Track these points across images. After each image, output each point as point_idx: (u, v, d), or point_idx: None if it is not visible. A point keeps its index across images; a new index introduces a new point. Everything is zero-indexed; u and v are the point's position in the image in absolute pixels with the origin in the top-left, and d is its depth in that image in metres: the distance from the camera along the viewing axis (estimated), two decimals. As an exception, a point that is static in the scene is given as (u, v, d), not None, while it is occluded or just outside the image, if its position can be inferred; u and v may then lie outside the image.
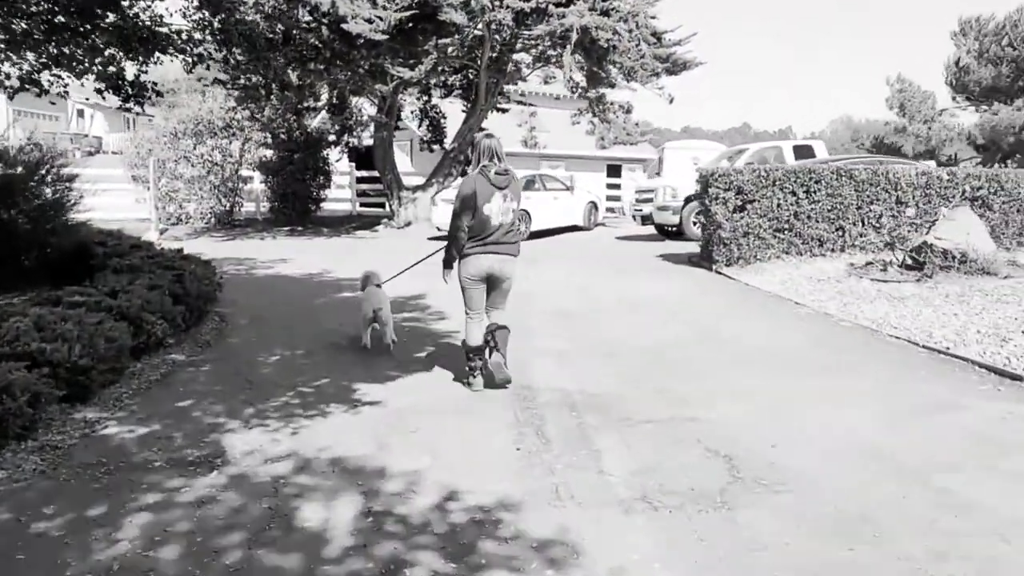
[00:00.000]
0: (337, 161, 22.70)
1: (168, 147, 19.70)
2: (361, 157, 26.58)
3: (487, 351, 5.57)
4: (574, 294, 10.01)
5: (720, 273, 11.25)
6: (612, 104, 18.78)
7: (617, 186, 29.07)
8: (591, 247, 16.20)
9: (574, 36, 15.90)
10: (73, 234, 10.29)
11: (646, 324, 8.11)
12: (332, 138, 22.04)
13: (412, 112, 23.28)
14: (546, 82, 20.69)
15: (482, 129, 21.22)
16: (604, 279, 11.27)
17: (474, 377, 5.60)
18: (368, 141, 24.52)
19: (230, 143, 20.35)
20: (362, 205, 24.10)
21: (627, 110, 18.43)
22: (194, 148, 19.80)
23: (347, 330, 7.69)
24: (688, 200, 15.15)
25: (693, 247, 13.78)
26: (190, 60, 10.50)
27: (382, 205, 25.84)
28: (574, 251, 15.33)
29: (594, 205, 19.68)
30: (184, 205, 20.43)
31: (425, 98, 22.62)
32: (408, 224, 19.98)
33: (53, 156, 10.61)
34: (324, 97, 22.52)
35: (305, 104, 21.14)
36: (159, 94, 10.44)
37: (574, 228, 19.15)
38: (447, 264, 5.60)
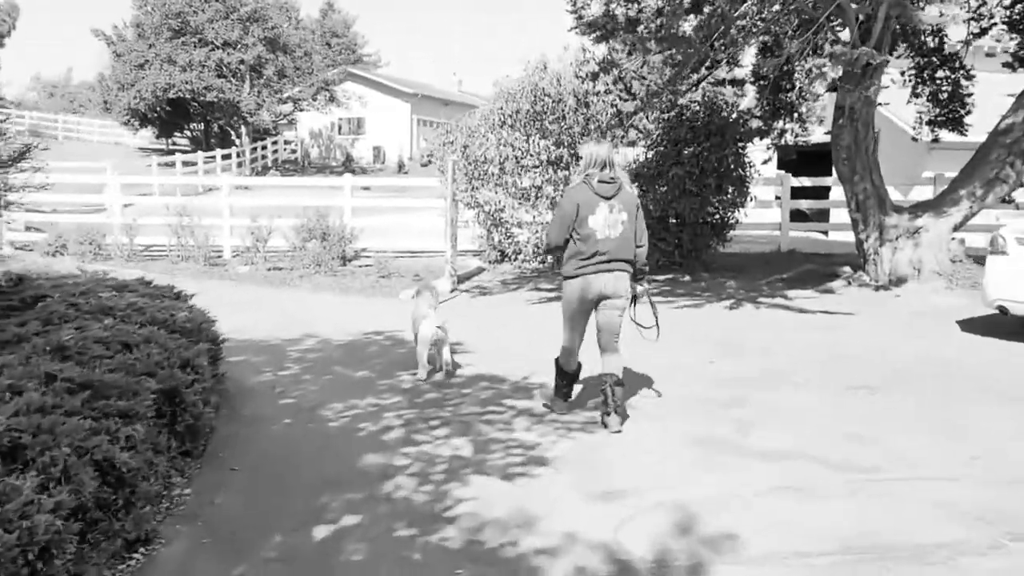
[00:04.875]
0: (763, 164, 13.34)
1: (492, 142, 12.46)
2: (791, 160, 16.91)
3: (602, 410, 4.87)
4: None
5: None
6: None
7: None
8: None
9: None
10: None
11: None
12: (756, 123, 12.88)
13: (905, 74, 13.03)
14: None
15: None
16: None
17: (561, 400, 5.19)
18: (817, 136, 14.84)
19: (582, 133, 12.41)
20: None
21: None
22: (527, 142, 12.27)
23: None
24: None
25: None
26: None
27: (825, 232, 15.91)
28: None
29: None
30: (514, 232, 13.04)
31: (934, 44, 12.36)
32: (899, 281, 9.90)
33: None
34: (748, 59, 13.62)
35: (710, 59, 12.37)
36: None
37: None
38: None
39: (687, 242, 11.67)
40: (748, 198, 11.88)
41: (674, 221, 11.59)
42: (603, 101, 12.38)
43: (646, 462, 4.29)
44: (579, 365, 5.16)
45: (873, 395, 5.52)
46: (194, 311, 5.46)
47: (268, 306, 9.82)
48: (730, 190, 11.73)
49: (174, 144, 39.22)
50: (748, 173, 11.98)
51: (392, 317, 9.08)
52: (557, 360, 5.20)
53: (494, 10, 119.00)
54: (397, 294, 10.79)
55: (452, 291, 11.10)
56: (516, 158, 12.37)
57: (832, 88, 14.13)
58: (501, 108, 12.34)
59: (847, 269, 10.79)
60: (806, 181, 14.50)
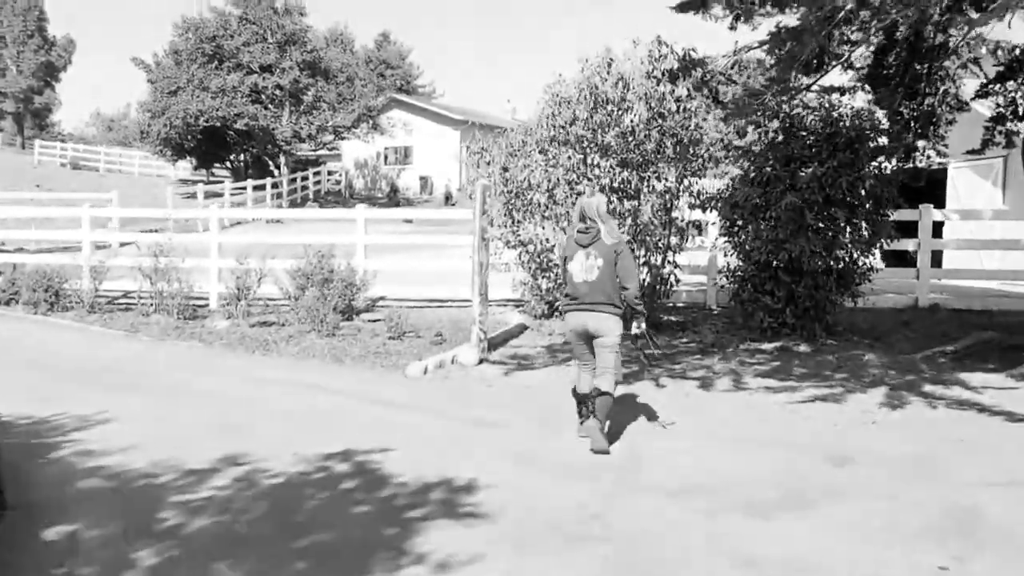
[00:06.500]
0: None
1: (538, 161, 9.54)
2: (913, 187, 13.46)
3: (586, 413, 5.44)
4: None
5: None
6: None
7: None
8: None
9: None
10: None
11: None
12: (880, 142, 9.69)
13: None
14: None
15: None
16: None
17: (581, 421, 5.48)
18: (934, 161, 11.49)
19: (658, 151, 9.41)
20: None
21: None
22: (584, 162, 9.33)
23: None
24: None
25: None
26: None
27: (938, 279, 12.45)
28: None
29: None
30: (566, 279, 10.01)
31: None
32: None
33: None
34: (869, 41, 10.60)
35: (827, 54, 9.40)
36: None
37: None
38: None
39: (804, 297, 8.47)
40: (888, 237, 8.65)
41: (788, 264, 8.41)
42: (684, 108, 9.36)
43: None
44: (591, 390, 5.41)
45: None
46: None
47: (212, 390, 7.00)
48: (864, 226, 8.53)
49: (213, 175, 37.55)
50: (883, 201, 8.75)
51: (385, 414, 6.15)
52: (574, 388, 5.68)
53: (549, 50, 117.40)
54: (405, 367, 7.87)
55: (479, 361, 8.14)
56: (569, 183, 9.42)
57: (982, 92, 10.97)
58: (551, 116, 9.43)
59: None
60: (952, 214, 11.18)
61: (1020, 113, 10.48)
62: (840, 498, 4.28)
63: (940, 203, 17.10)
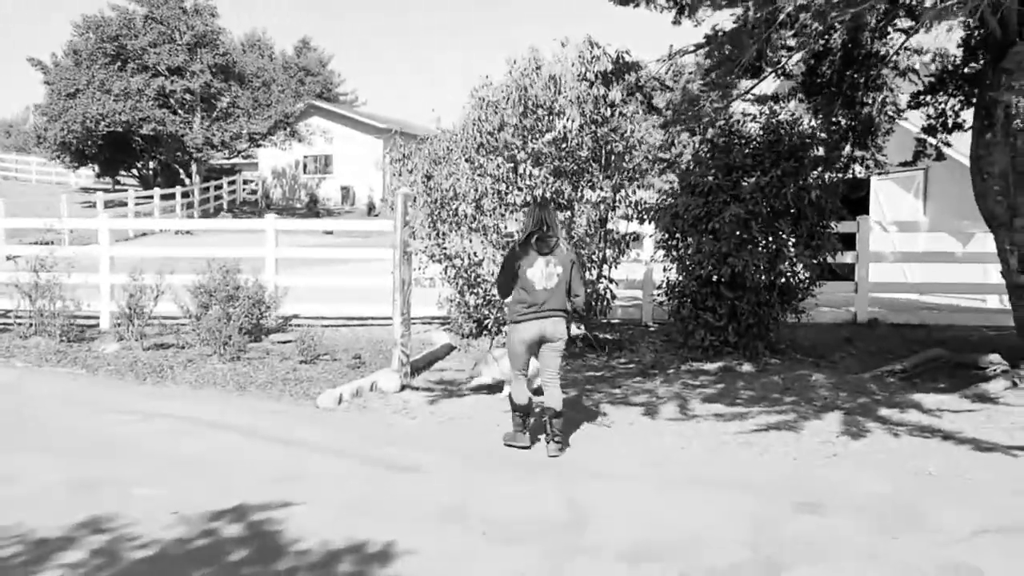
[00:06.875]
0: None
1: (464, 170, 8.83)
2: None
3: (545, 438, 5.50)
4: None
5: None
6: None
7: None
8: None
9: None
10: None
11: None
12: (819, 151, 9.37)
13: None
14: None
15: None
16: None
17: (522, 433, 5.61)
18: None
19: (593, 159, 8.85)
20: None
21: None
22: (515, 171, 8.67)
23: None
24: None
25: None
26: None
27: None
28: None
29: None
30: (495, 293, 9.34)
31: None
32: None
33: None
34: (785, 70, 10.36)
35: (763, 61, 9.04)
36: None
37: None
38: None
39: (748, 313, 8.02)
40: (833, 250, 8.28)
41: (731, 279, 7.93)
42: (620, 113, 8.84)
43: None
44: (529, 399, 5.66)
45: None
46: None
47: (86, 429, 6.01)
48: (810, 241, 8.13)
49: (118, 184, 35.44)
50: (827, 213, 8.38)
51: (291, 456, 5.31)
52: (510, 396, 5.72)
53: (478, 55, 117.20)
54: (317, 396, 7.03)
55: (401, 388, 7.36)
56: (499, 193, 8.77)
57: (914, 103, 10.80)
58: (478, 121, 8.75)
59: (996, 359, 7.19)
60: (890, 226, 11.00)
61: (949, 124, 10.39)
62: (819, 557, 3.70)
63: (863, 214, 17.19)
